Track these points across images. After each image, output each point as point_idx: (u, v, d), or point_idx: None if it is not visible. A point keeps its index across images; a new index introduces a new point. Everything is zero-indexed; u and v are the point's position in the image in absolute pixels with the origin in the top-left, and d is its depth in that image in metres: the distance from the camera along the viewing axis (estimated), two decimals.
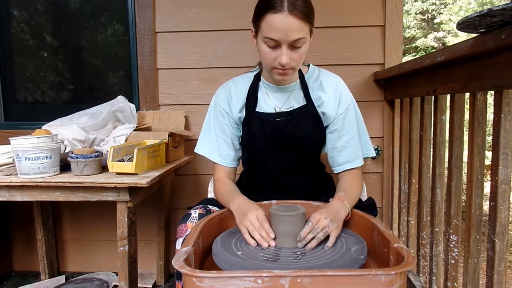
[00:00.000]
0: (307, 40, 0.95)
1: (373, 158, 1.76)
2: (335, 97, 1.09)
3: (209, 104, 1.78)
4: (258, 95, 1.11)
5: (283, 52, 0.92)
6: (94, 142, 1.48)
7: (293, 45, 0.92)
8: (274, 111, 1.09)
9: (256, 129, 1.09)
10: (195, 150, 1.18)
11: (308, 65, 1.15)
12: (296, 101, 1.10)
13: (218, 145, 1.13)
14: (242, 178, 1.29)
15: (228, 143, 1.14)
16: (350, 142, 1.10)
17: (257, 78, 1.13)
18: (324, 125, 1.11)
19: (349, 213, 0.94)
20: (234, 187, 1.10)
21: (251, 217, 0.88)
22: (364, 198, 1.23)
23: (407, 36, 7.94)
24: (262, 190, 1.14)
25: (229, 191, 1.06)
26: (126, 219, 1.27)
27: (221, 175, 1.14)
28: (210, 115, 1.17)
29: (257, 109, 1.10)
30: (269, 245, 0.84)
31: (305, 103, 1.09)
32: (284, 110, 1.09)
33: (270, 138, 1.09)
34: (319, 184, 1.19)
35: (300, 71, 1.10)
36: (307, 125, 1.08)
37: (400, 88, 1.57)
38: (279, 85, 1.09)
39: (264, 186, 1.15)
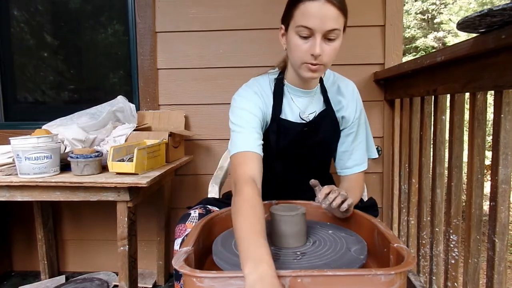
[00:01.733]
0: (340, 36, 0.92)
1: (373, 158, 1.75)
2: (353, 101, 1.09)
3: (209, 104, 1.80)
4: (284, 101, 1.05)
5: (316, 42, 0.87)
6: (94, 142, 1.49)
7: (327, 37, 0.88)
8: (300, 119, 1.05)
9: (282, 137, 1.04)
10: (231, 155, 0.96)
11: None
12: (317, 106, 1.07)
13: (253, 135, 0.97)
14: None
15: (259, 133, 0.99)
16: (360, 145, 1.10)
17: (280, 82, 1.05)
18: (341, 128, 1.10)
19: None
20: (263, 222, 0.75)
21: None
22: (365, 198, 1.23)
23: (407, 36, 7.94)
24: (269, 175, 1.01)
25: (255, 231, 0.70)
26: (126, 219, 1.27)
27: (248, 172, 0.89)
28: (236, 110, 1.01)
29: (281, 116, 1.04)
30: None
31: (325, 107, 1.07)
32: (309, 117, 1.06)
33: (294, 145, 1.05)
34: (324, 182, 1.16)
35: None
36: (327, 129, 1.07)
37: (400, 88, 1.57)
38: (304, 88, 1.04)
39: (271, 172, 1.04)
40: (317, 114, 1.06)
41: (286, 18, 0.94)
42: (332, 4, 0.85)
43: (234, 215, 0.78)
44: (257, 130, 0.97)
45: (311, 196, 0.98)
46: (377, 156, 1.22)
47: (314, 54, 0.88)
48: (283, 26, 0.97)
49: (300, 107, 1.06)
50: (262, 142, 0.98)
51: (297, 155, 1.08)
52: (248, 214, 0.75)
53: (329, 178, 1.22)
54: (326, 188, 0.89)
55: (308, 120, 1.06)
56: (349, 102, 1.08)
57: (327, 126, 1.07)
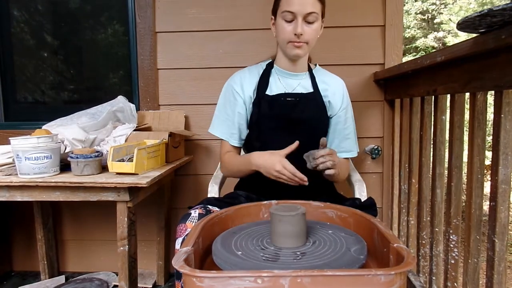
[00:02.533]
0: (319, 19, 1.10)
1: (373, 158, 1.76)
2: (339, 91, 1.25)
3: (209, 104, 1.80)
4: (270, 79, 1.22)
5: (298, 24, 1.07)
6: (94, 142, 1.49)
7: (307, 20, 1.08)
8: (284, 93, 1.19)
9: (265, 109, 1.18)
10: (208, 130, 1.28)
11: (315, 65, 1.29)
12: (304, 88, 1.21)
13: (227, 123, 1.23)
14: (244, 178, 1.29)
15: (235, 123, 1.22)
16: (350, 135, 1.26)
17: (270, 66, 1.24)
18: (329, 113, 1.23)
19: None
20: (243, 154, 1.21)
21: (279, 168, 1.03)
22: (364, 198, 1.23)
23: (407, 36, 7.94)
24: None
25: (240, 158, 1.19)
26: (126, 219, 1.27)
27: (227, 150, 1.25)
28: (221, 96, 1.27)
29: (267, 92, 1.20)
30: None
31: (312, 90, 1.21)
32: (294, 92, 1.20)
33: (278, 118, 1.17)
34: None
35: (309, 65, 1.24)
36: (314, 109, 1.19)
37: (400, 88, 1.57)
38: (291, 71, 1.21)
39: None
40: (303, 93, 1.20)
41: (275, 8, 1.15)
42: None
43: (229, 165, 1.22)
44: (231, 118, 1.22)
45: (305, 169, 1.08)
46: (356, 155, 1.30)
47: (296, 33, 1.08)
48: (272, 17, 1.17)
49: (286, 87, 1.21)
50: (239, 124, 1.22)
51: (284, 127, 1.17)
52: (233, 157, 1.22)
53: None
54: (324, 151, 1.02)
55: (291, 92, 1.20)
56: (336, 91, 1.24)
57: (313, 106, 1.20)
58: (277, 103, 1.17)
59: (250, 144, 1.24)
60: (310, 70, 1.24)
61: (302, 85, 1.21)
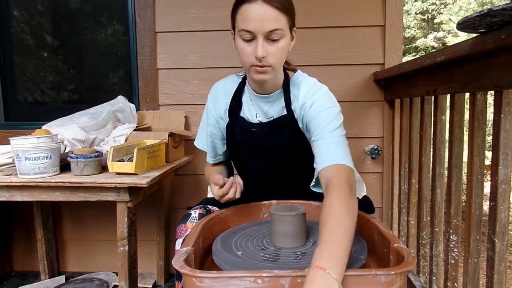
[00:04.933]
0: (286, 35, 0.90)
1: (373, 158, 1.76)
2: (300, 106, 0.99)
3: None
4: (243, 99, 1.08)
5: (258, 45, 0.86)
6: (94, 142, 1.48)
7: (270, 38, 0.87)
8: (252, 121, 1.06)
9: (238, 134, 1.07)
10: (194, 143, 1.24)
11: (296, 71, 1.06)
12: (276, 111, 1.04)
13: (203, 135, 1.18)
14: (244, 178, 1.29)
15: (208, 141, 1.15)
16: (329, 146, 0.90)
17: (242, 83, 1.08)
18: (308, 136, 1.00)
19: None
20: (214, 170, 1.16)
21: (212, 186, 0.95)
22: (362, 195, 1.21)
23: (407, 36, 7.94)
24: (252, 191, 1.06)
25: (209, 173, 1.16)
26: (126, 219, 1.27)
27: (207, 165, 1.22)
28: (204, 110, 1.16)
29: (241, 114, 1.07)
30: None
31: (285, 112, 1.02)
32: (262, 121, 1.05)
33: (251, 146, 1.07)
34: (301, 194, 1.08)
35: (286, 77, 1.02)
36: (285, 137, 1.02)
37: (400, 88, 1.57)
38: (261, 93, 1.03)
39: (253, 188, 1.07)
40: (273, 118, 1.04)
41: (232, 23, 0.94)
42: (270, 4, 0.85)
43: (209, 176, 1.13)
44: (205, 134, 1.15)
45: (289, 190, 1.02)
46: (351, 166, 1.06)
47: (257, 57, 0.88)
48: (232, 31, 0.96)
49: (258, 110, 1.06)
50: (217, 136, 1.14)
51: (257, 154, 1.08)
52: (210, 172, 1.15)
53: (309, 191, 0.99)
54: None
55: (263, 122, 1.05)
56: (300, 106, 0.99)
57: (286, 131, 1.02)
58: (248, 131, 1.06)
59: (232, 159, 1.19)
60: (285, 84, 1.02)
61: (274, 107, 1.04)
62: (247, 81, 1.07)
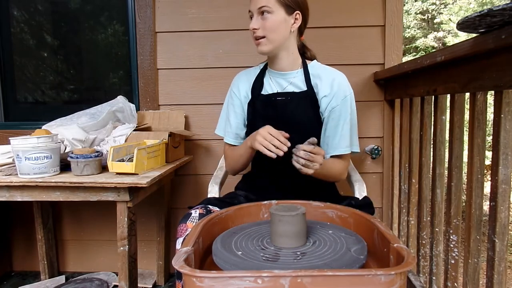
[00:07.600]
0: (276, 12, 1.07)
1: (373, 158, 1.76)
2: (328, 85, 1.15)
3: (209, 104, 1.80)
4: (264, 80, 1.23)
5: (252, 19, 1.10)
6: (94, 142, 1.49)
7: (260, 14, 1.08)
8: (275, 92, 1.20)
9: (258, 109, 1.19)
10: (215, 131, 1.33)
11: (313, 60, 1.25)
12: (296, 87, 1.19)
13: (224, 121, 1.29)
14: (244, 179, 1.30)
15: (231, 121, 1.25)
16: (343, 132, 1.15)
17: (265, 67, 1.26)
18: (321, 110, 1.17)
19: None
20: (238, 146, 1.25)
21: (262, 133, 1.00)
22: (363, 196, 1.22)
23: (407, 36, 7.95)
24: (267, 174, 1.20)
25: (240, 147, 1.21)
26: (126, 219, 1.27)
27: (228, 147, 1.28)
28: (226, 98, 1.31)
29: (262, 92, 1.21)
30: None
31: (306, 88, 1.17)
32: (284, 91, 1.19)
33: (271, 118, 1.15)
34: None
35: (304, 62, 1.21)
36: (306, 108, 1.16)
37: (400, 88, 1.57)
38: (280, 70, 1.19)
39: (269, 170, 1.19)
40: (295, 92, 1.18)
41: None
42: None
43: (231, 155, 1.24)
44: (228, 117, 1.27)
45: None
46: (358, 151, 1.21)
47: (250, 29, 1.11)
48: None
49: (278, 87, 1.21)
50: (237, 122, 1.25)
51: (278, 127, 1.10)
52: (234, 148, 1.25)
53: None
54: (308, 147, 0.97)
55: (282, 91, 1.19)
56: (326, 85, 1.16)
57: (304, 105, 1.16)
58: (269, 103, 1.18)
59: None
60: (305, 67, 1.20)
61: (293, 84, 1.19)
62: (268, 65, 1.25)
